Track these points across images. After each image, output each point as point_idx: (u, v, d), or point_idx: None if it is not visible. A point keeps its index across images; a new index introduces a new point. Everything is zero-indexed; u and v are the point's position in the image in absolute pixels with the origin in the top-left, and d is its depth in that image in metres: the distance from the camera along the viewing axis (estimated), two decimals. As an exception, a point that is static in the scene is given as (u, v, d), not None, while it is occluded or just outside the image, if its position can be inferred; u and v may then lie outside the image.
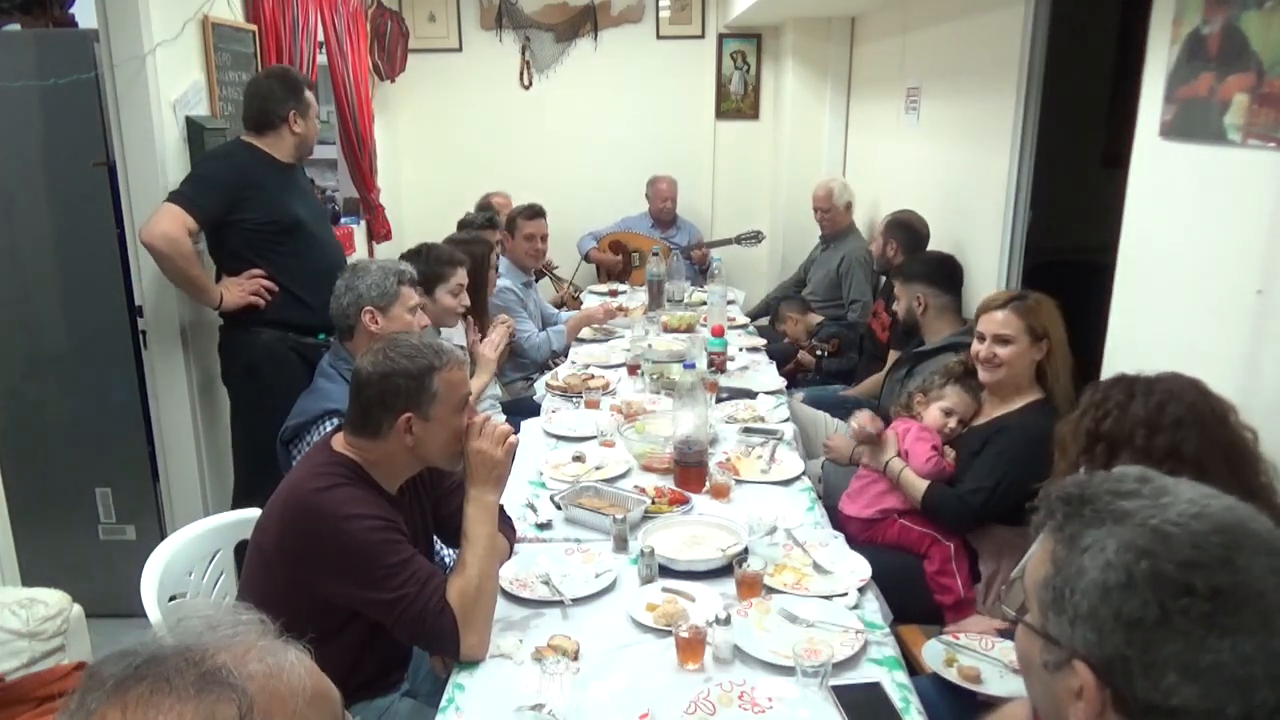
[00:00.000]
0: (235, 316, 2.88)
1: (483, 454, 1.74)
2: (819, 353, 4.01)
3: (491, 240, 4.11)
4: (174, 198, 2.70)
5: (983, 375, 2.35)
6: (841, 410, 3.44)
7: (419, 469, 1.82)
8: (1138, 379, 1.56)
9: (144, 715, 0.65)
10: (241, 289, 2.82)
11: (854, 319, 4.19)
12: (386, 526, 1.64)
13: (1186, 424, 1.48)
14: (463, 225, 4.19)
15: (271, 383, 2.86)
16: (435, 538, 2.05)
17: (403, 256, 2.95)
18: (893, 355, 3.43)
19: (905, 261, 3.37)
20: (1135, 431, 1.49)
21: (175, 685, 0.67)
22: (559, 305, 4.71)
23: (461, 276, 2.98)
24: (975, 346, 2.36)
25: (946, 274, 3.12)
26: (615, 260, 5.30)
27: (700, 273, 5.11)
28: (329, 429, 2.05)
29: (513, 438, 1.79)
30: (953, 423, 2.42)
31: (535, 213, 4.18)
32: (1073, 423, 1.60)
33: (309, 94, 2.90)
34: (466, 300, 3.01)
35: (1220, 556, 0.76)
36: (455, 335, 3.23)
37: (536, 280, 4.44)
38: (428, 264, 2.91)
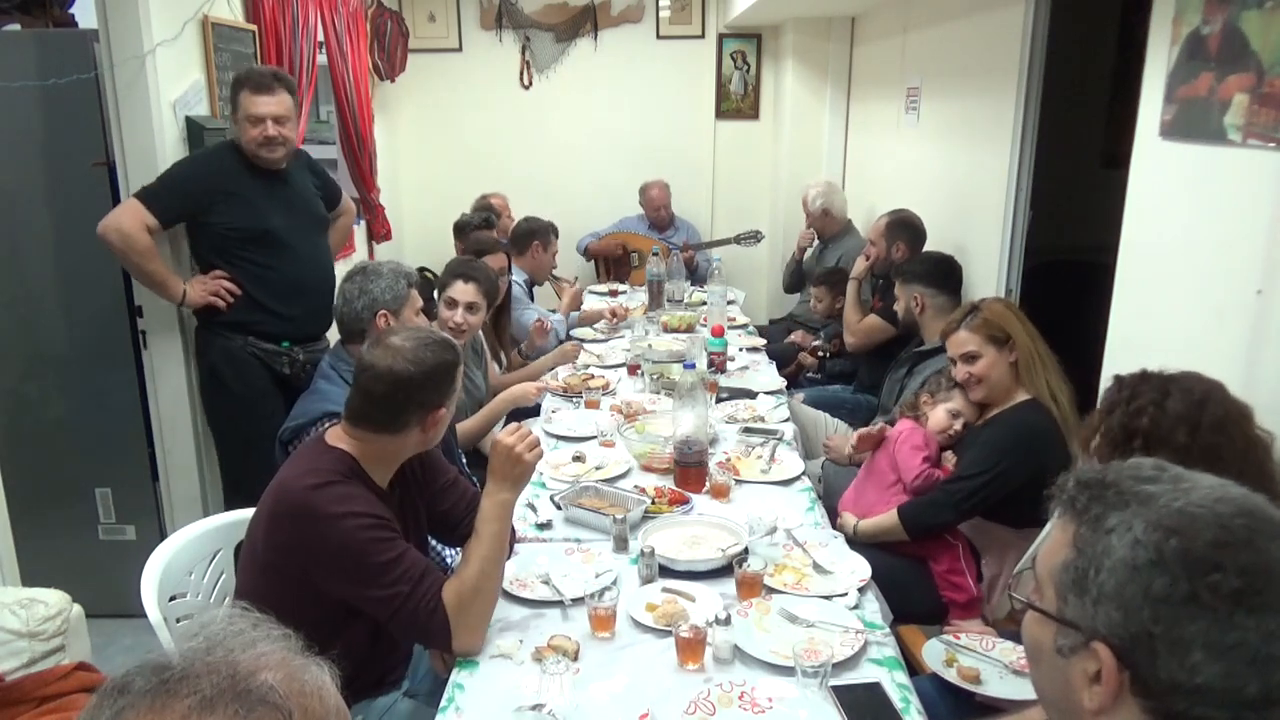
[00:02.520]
0: (202, 317, 2.89)
1: (510, 450, 1.74)
2: (821, 354, 4.01)
3: (492, 238, 4.14)
4: (139, 193, 2.72)
5: (971, 395, 2.39)
6: (842, 410, 3.45)
7: (412, 454, 1.83)
8: (1169, 376, 1.56)
9: None
10: (204, 288, 2.81)
11: None
12: (378, 524, 1.64)
13: (1229, 423, 1.49)
14: (459, 227, 4.21)
15: (229, 386, 2.89)
16: (430, 537, 2.05)
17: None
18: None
19: (904, 262, 3.37)
20: (1176, 429, 1.48)
21: (217, 704, 0.66)
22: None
23: (458, 291, 2.92)
24: (952, 370, 2.41)
25: (944, 274, 3.13)
26: (615, 245, 5.28)
27: (690, 273, 5.10)
28: None
29: (540, 447, 1.80)
30: (958, 425, 2.43)
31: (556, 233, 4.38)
32: (1098, 417, 1.59)
33: (243, 94, 2.78)
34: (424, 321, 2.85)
35: (1245, 538, 0.78)
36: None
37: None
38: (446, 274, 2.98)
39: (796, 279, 4.84)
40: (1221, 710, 0.76)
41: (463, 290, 2.92)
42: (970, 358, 2.34)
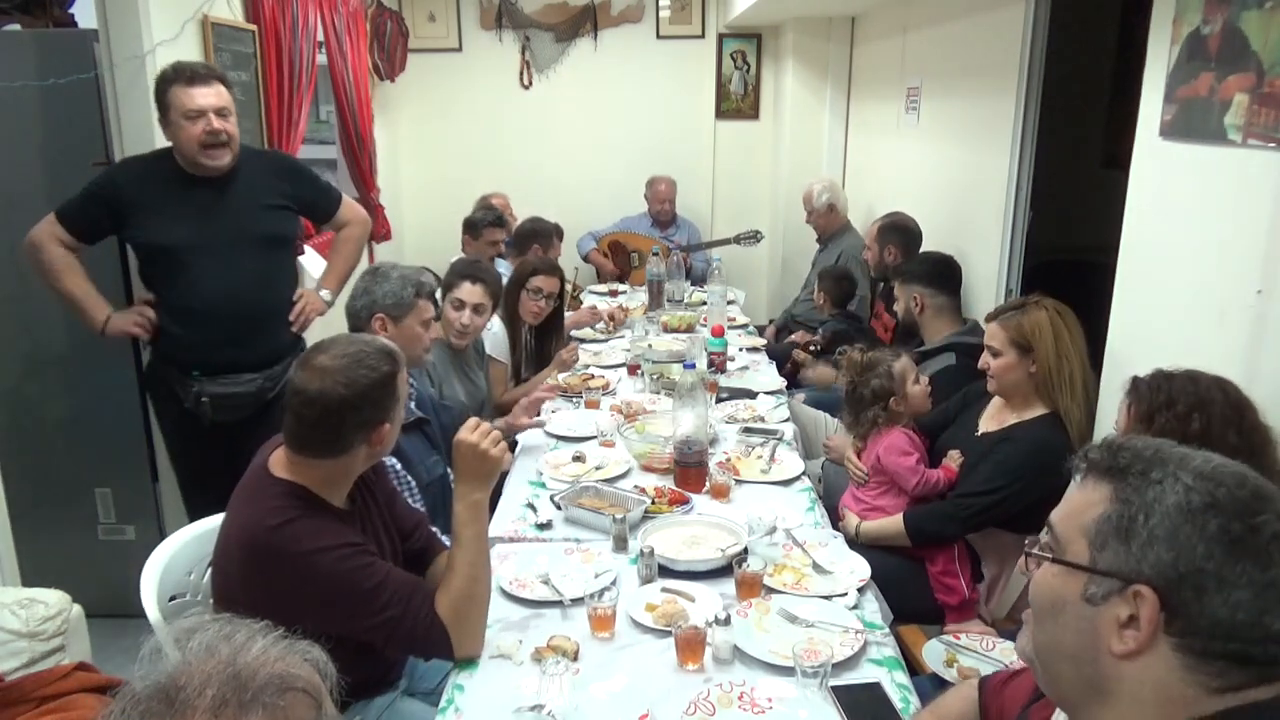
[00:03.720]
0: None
1: (475, 448, 1.67)
2: (812, 348, 4.02)
3: (498, 239, 4.15)
4: (58, 207, 2.52)
5: (989, 387, 2.36)
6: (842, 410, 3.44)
7: (367, 466, 1.73)
8: (1190, 375, 1.59)
9: None
10: (127, 318, 2.57)
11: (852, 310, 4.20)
12: (354, 551, 1.58)
13: (1259, 422, 1.53)
14: (468, 225, 4.23)
15: (158, 411, 2.78)
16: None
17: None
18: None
19: (903, 262, 3.37)
20: (1227, 431, 1.52)
21: (245, 705, 0.69)
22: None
23: (465, 293, 2.91)
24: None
25: (943, 274, 3.12)
26: (613, 270, 5.32)
27: (686, 274, 5.09)
28: None
29: (504, 442, 1.74)
30: (925, 381, 2.48)
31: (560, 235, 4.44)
32: (1142, 426, 1.59)
33: (173, 91, 2.44)
34: (435, 332, 2.77)
35: (1270, 494, 0.87)
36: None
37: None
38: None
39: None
40: (1252, 645, 0.83)
41: (470, 291, 2.91)
42: (993, 352, 2.29)
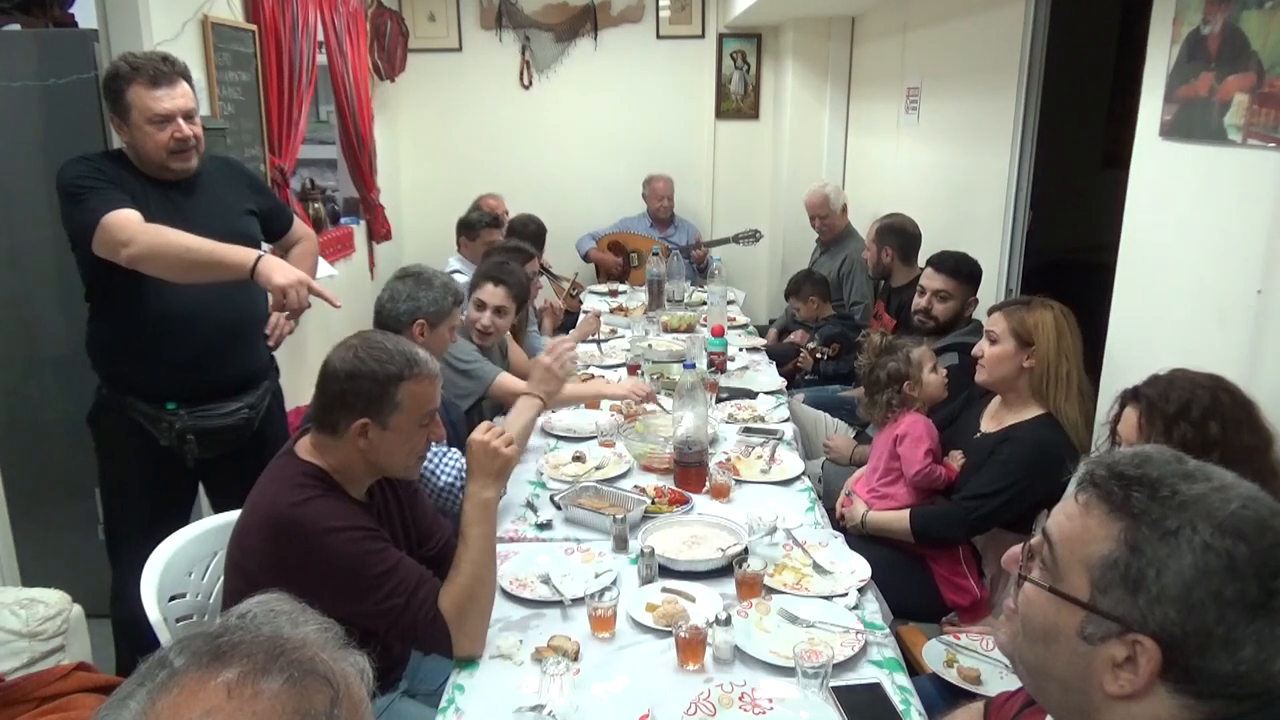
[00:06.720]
0: (93, 361, 2.37)
1: (486, 446, 1.72)
2: (819, 355, 4.01)
3: (495, 239, 4.17)
4: (95, 214, 2.07)
5: (976, 376, 2.35)
6: (842, 410, 3.45)
7: (377, 476, 1.74)
8: (1191, 376, 1.58)
9: (243, 693, 0.68)
10: (286, 275, 2.06)
11: (857, 320, 4.20)
12: (368, 536, 1.61)
13: (1263, 421, 1.52)
14: (463, 225, 4.24)
15: (105, 445, 2.41)
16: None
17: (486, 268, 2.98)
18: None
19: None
20: (1241, 432, 1.51)
21: (271, 669, 0.70)
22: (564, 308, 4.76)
23: (487, 294, 2.94)
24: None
25: (967, 274, 3.14)
26: (615, 261, 5.32)
27: (699, 272, 5.12)
28: None
29: (514, 444, 1.79)
30: (942, 370, 2.48)
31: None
32: (1158, 437, 1.56)
33: (133, 91, 2.15)
34: (496, 319, 2.95)
35: None
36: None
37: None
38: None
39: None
40: (1254, 686, 0.81)
41: (492, 293, 2.93)
42: (991, 339, 2.29)
